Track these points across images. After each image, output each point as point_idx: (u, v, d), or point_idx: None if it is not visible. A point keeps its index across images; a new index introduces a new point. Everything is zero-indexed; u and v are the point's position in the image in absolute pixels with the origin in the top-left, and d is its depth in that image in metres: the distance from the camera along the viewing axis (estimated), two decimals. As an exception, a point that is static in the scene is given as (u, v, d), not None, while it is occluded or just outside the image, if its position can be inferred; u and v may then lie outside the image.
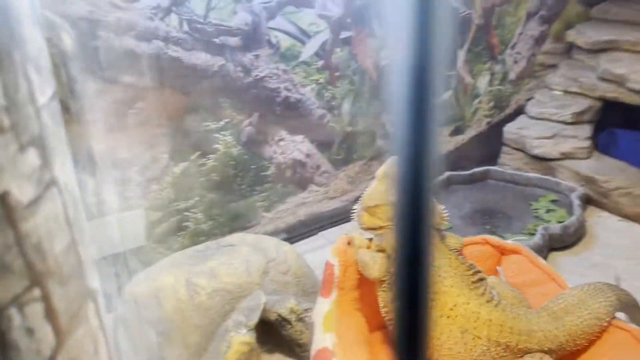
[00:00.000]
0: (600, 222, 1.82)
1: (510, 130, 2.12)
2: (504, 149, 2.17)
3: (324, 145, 1.77)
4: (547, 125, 2.07)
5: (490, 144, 2.23)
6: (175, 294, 1.20)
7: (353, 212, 1.21)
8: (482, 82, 2.11)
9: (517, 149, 2.11)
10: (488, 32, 2.04)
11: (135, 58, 1.34)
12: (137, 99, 1.38)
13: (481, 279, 1.10)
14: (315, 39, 1.61)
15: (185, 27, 1.39)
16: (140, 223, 1.46)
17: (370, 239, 1.17)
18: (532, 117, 2.14)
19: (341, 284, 1.10)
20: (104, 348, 0.49)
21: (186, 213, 1.57)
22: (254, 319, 1.19)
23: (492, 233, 1.71)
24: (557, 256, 1.64)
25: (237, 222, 1.67)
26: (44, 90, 0.43)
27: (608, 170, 1.90)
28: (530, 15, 2.12)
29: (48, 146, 0.42)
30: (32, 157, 0.40)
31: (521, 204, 1.91)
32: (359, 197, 1.22)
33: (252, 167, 1.65)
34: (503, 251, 1.27)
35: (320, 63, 1.65)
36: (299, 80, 1.64)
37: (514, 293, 1.11)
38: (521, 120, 2.17)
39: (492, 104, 2.19)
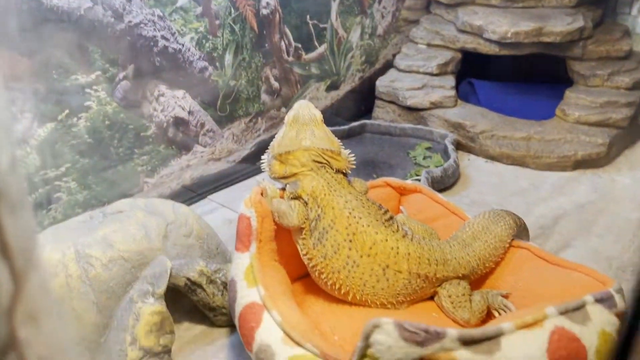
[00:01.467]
0: (470, 164, 1.97)
1: (382, 83, 2.18)
2: (377, 102, 2.23)
3: (207, 102, 1.66)
4: (416, 78, 2.17)
5: (363, 99, 2.28)
6: (64, 271, 1.03)
7: (262, 162, 1.14)
8: (354, 36, 2.14)
9: (390, 102, 2.18)
10: (358, -15, 2.06)
11: (-21, -5, 1.10)
12: (-15, 47, 1.14)
13: (392, 217, 1.12)
14: (192, -17, 1.48)
15: (42, -40, 1.17)
16: None
17: (283, 189, 1.12)
18: (402, 70, 2.23)
19: (259, 235, 1.03)
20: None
21: (57, 182, 1.36)
22: (162, 286, 1.07)
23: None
24: (441, 196, 1.74)
25: (116, 190, 1.50)
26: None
27: (472, 116, 2.05)
28: (394, -30, 2.19)
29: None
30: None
31: (399, 153, 1.99)
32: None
33: (130, 127, 1.48)
34: (403, 192, 1.30)
35: (199, 10, 1.52)
36: (177, 28, 1.49)
37: (423, 227, 1.14)
38: (392, 73, 2.24)
39: (363, 58, 2.23)
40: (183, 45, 1.52)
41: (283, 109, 1.92)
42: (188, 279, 1.13)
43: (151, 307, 1.03)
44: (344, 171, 1.13)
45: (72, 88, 1.32)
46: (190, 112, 1.61)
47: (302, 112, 1.13)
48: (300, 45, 1.89)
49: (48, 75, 1.27)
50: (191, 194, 1.70)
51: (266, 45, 1.77)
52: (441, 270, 1.03)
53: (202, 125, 1.66)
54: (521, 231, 1.23)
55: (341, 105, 2.21)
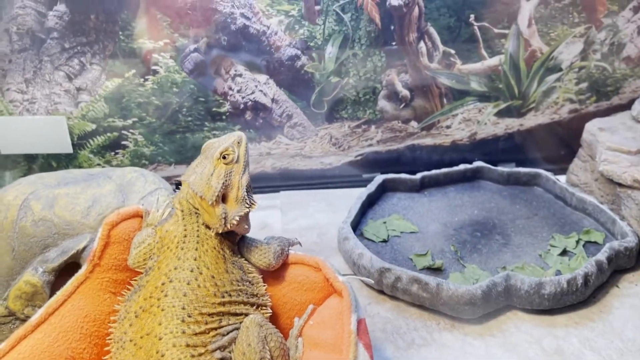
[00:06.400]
0: (634, 294, 1.21)
1: (590, 128, 1.50)
2: (580, 152, 1.56)
3: (297, 94, 1.48)
4: (643, 135, 1.41)
5: (570, 140, 1.63)
6: (5, 211, 1.16)
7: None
8: (568, 53, 1.50)
9: (592, 157, 1.50)
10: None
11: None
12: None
13: (226, 314, 0.82)
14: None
15: None
16: (63, 130, 1.43)
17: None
18: (634, 118, 1.48)
19: (96, 259, 0.92)
20: None
21: (124, 132, 1.49)
22: (57, 262, 1.10)
23: (458, 258, 1.28)
24: (512, 318, 1.16)
25: (183, 155, 1.54)
26: None
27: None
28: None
29: None
30: None
31: (543, 231, 1.38)
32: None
33: (201, 99, 1.47)
34: (332, 287, 0.92)
35: (291, -9, 1.34)
36: (260, 8, 1.35)
37: (250, 348, 0.79)
38: (617, 117, 1.52)
39: (585, 85, 1.57)
40: (268, 27, 1.37)
41: (414, 123, 1.56)
42: (91, 265, 1.11)
43: (30, 277, 1.07)
44: (216, 230, 0.88)
45: (139, 51, 1.38)
46: (274, 100, 1.48)
47: (215, 144, 0.92)
48: (453, 52, 1.46)
49: (114, 34, 1.36)
50: (269, 182, 1.61)
51: (394, 43, 1.43)
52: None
53: (290, 117, 1.51)
54: None
55: (524, 141, 1.64)
